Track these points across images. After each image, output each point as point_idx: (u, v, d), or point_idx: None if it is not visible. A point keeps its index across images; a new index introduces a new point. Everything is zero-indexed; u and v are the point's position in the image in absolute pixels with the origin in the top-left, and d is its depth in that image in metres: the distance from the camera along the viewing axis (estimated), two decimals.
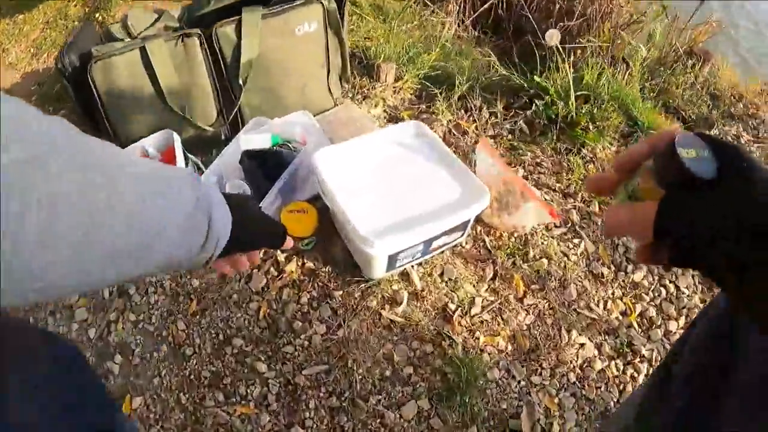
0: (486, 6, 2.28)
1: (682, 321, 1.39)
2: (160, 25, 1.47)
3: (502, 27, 2.39)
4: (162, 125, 1.43)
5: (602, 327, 1.32)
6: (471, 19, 2.33)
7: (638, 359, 1.29)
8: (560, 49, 1.72)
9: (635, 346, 1.31)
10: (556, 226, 1.46)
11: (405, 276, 1.30)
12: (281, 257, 1.30)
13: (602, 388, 1.24)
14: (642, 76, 2.08)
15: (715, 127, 2.03)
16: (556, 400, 1.19)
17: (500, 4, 2.31)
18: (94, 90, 1.34)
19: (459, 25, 2.30)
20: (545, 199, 1.50)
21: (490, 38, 2.35)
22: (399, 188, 1.21)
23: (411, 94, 1.74)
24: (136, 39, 1.41)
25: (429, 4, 2.30)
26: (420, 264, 1.32)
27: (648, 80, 2.15)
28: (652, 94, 2.06)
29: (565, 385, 1.22)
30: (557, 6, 2.15)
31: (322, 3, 1.48)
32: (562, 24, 2.08)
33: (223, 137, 1.54)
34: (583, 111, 1.68)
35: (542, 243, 1.41)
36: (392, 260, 1.19)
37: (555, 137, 1.66)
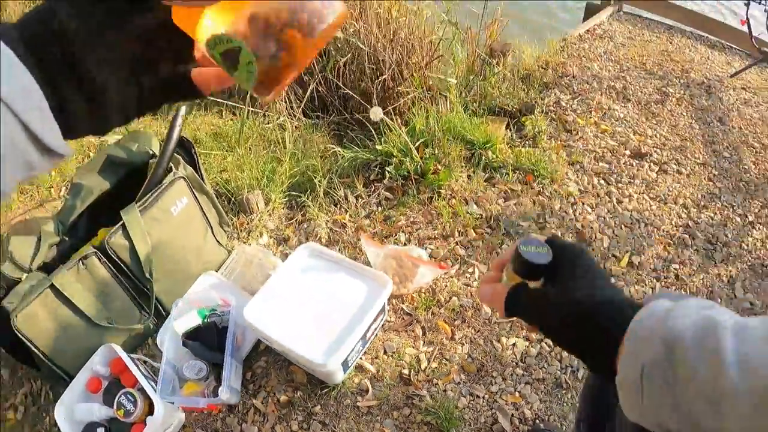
0: (308, 93, 2.48)
1: None
2: (44, 248, 1.52)
3: (331, 104, 2.64)
4: (98, 342, 1.53)
5: (522, 324, 1.62)
6: (300, 108, 2.55)
7: None
8: (387, 117, 2.00)
9: None
10: (447, 273, 1.75)
11: (360, 368, 1.52)
12: (258, 403, 1.47)
13: (545, 368, 1.53)
14: (460, 96, 2.33)
15: (536, 107, 2.34)
16: (516, 394, 1.47)
17: (318, 84, 2.52)
18: (27, 342, 1.41)
19: (291, 117, 2.45)
20: (429, 252, 1.79)
21: (324, 119, 2.55)
22: (321, 307, 1.45)
23: (284, 208, 1.96)
24: (34, 272, 1.48)
25: (258, 111, 2.46)
26: (366, 353, 1.55)
27: (467, 95, 2.42)
28: (475, 106, 2.30)
29: (518, 380, 1.50)
30: (367, 73, 2.43)
31: (183, 178, 1.64)
32: (378, 84, 2.34)
33: (151, 327, 1.67)
34: (427, 156, 2.00)
35: (446, 286, 1.70)
36: (345, 364, 1.41)
37: (416, 191, 1.96)
